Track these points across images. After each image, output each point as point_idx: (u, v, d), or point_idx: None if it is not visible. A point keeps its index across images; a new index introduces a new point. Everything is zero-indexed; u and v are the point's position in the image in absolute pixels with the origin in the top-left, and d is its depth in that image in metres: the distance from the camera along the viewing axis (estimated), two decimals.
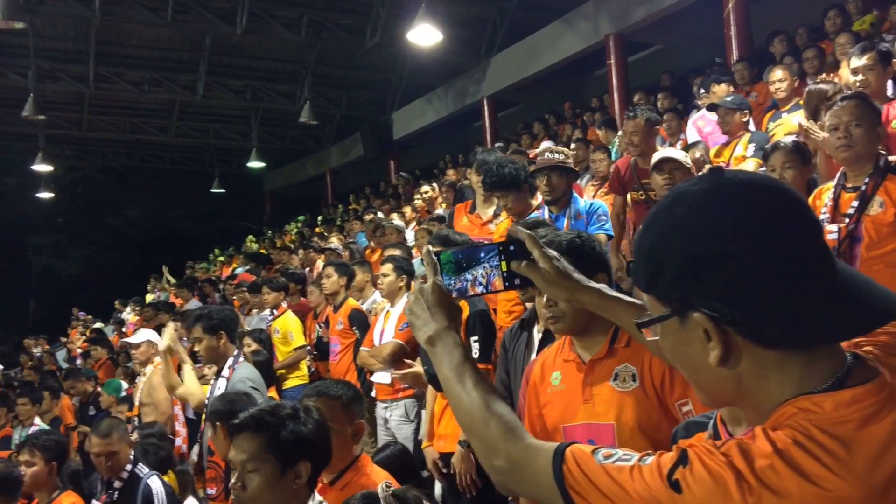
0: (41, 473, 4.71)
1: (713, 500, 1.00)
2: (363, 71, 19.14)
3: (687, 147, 6.17)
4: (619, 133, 8.08)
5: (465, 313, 4.27)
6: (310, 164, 23.80)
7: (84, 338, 15.26)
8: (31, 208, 26.24)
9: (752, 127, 6.24)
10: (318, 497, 2.46)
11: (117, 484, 4.44)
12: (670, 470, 1.04)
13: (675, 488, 1.02)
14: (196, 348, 4.70)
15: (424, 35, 12.33)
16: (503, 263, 1.52)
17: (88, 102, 19.51)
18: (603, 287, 1.64)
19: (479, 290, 1.53)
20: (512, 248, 1.52)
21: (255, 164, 21.38)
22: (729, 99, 6.24)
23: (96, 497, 4.77)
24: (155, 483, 4.44)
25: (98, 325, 16.54)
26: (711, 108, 6.39)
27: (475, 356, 4.12)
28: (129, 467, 4.48)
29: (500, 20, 15.93)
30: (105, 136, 22.23)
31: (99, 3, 14.13)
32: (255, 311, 9.06)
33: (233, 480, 2.34)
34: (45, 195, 22.62)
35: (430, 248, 1.56)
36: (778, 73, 6.40)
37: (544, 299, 2.48)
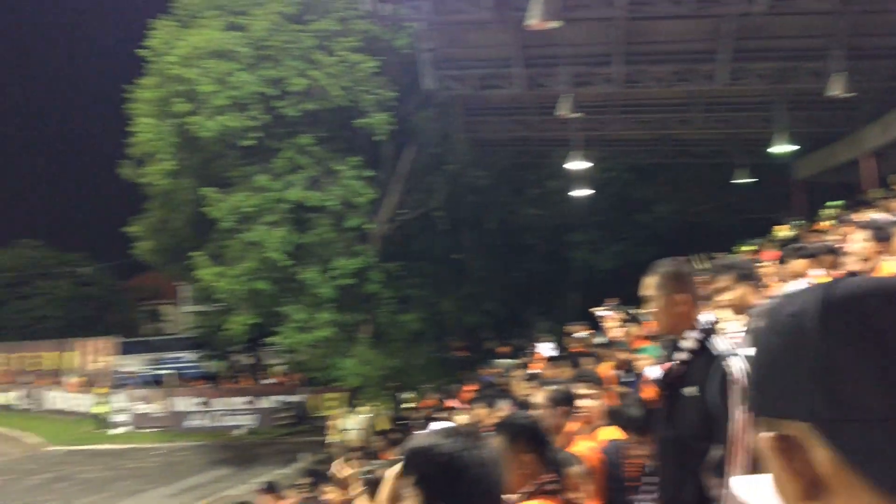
0: (595, 409, 5.18)
1: None
2: None
3: None
4: None
5: None
6: (842, 146, 22.05)
7: (618, 323, 16.29)
8: (569, 208, 28.90)
9: None
10: None
11: None
12: None
13: None
14: (722, 297, 4.73)
15: None
16: None
17: (617, 103, 20.76)
18: None
19: None
20: None
21: (781, 150, 20.56)
22: None
23: None
24: None
25: (634, 311, 17.53)
26: None
27: None
28: None
29: None
30: (633, 134, 23.42)
31: (626, 2, 14.94)
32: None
33: None
34: (582, 193, 24.66)
35: None
36: None
37: None
